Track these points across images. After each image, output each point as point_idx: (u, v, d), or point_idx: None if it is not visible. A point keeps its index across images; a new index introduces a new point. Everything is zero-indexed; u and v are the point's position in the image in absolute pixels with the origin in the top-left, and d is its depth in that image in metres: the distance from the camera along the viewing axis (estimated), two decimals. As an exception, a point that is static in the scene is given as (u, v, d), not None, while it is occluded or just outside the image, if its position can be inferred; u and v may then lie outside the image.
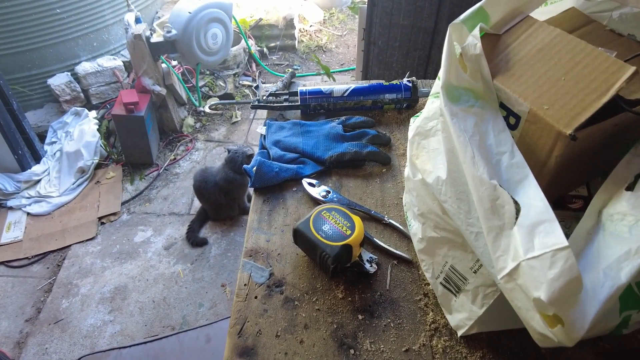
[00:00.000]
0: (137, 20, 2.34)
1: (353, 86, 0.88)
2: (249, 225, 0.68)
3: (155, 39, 2.26)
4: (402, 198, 0.69)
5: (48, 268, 1.97)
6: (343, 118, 0.85)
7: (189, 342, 1.26)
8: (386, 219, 0.66)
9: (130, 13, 2.35)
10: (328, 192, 0.70)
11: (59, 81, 2.45)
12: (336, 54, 3.47)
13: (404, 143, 0.80)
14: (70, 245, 2.04)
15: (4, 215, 2.20)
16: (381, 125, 0.86)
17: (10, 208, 2.24)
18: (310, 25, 3.67)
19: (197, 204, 2.09)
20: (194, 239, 1.94)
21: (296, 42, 3.41)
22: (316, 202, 0.70)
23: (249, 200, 2.04)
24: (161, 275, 1.87)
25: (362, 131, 0.82)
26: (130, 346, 1.27)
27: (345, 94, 0.87)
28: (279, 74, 3.16)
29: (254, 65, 3.16)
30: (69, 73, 2.49)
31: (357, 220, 0.58)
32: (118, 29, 2.65)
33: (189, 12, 2.27)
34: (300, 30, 3.52)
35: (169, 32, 2.26)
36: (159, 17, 2.88)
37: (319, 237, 0.56)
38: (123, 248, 2.01)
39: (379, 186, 0.73)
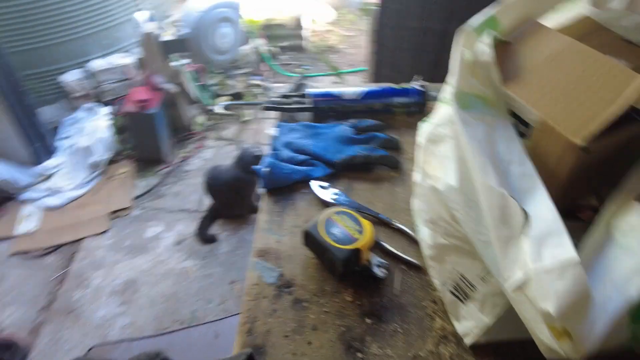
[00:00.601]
0: (149, 19, 2.37)
1: (363, 89, 0.88)
2: (259, 225, 0.69)
3: (166, 37, 2.29)
4: (411, 203, 0.69)
5: (61, 260, 2.01)
6: (353, 121, 0.86)
7: (198, 337, 1.28)
8: (395, 223, 0.66)
9: (141, 11, 2.38)
10: (338, 195, 0.71)
11: (71, 78, 2.49)
12: (346, 54, 3.47)
13: (413, 147, 0.80)
14: (82, 238, 2.08)
15: (18, 208, 2.25)
16: (391, 128, 0.86)
17: (24, 201, 2.29)
18: (321, 25, 3.68)
19: (207, 201, 2.12)
20: (204, 236, 1.96)
21: (306, 42, 3.41)
22: (326, 204, 0.70)
23: (258, 200, 2.05)
24: (171, 271, 1.89)
25: (372, 134, 0.82)
26: (140, 339, 1.29)
27: (356, 97, 0.88)
28: (289, 73, 3.17)
29: (264, 64, 3.17)
30: (81, 70, 2.53)
31: (367, 224, 0.59)
32: (129, 27, 2.67)
33: (200, 11, 2.30)
34: (310, 30, 3.52)
35: (179, 30, 2.29)
36: (170, 16, 2.91)
37: (328, 240, 0.57)
38: (134, 242, 2.04)
39: (389, 190, 0.73)
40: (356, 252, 0.56)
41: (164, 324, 1.69)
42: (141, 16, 2.35)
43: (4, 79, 2.12)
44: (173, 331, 1.28)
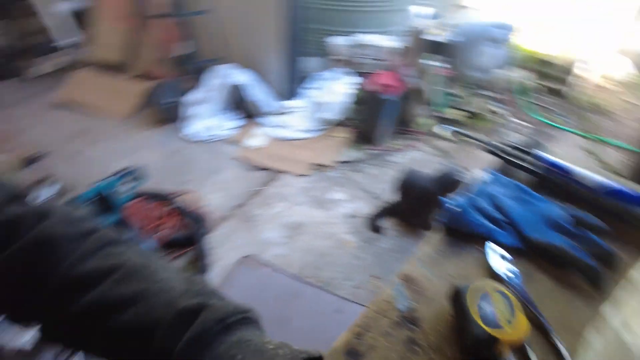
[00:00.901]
0: (426, 16, 2.47)
1: (609, 183, 0.76)
2: (418, 253, 0.70)
3: (432, 37, 2.37)
4: (586, 328, 0.59)
5: (262, 180, 2.44)
6: (573, 208, 0.75)
7: (323, 302, 1.39)
8: (556, 338, 0.58)
9: (419, 7, 2.48)
10: (512, 273, 0.66)
11: (336, 42, 2.84)
12: (617, 122, 2.90)
13: (627, 273, 0.66)
14: (284, 172, 2.47)
15: (255, 127, 2.81)
16: (614, 239, 0.72)
17: (260, 123, 2.84)
18: (604, 80, 3.14)
19: (393, 196, 2.21)
20: (374, 224, 2.07)
21: (575, 89, 2.99)
22: (494, 275, 0.66)
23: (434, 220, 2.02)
24: (334, 235, 2.09)
25: (587, 234, 0.71)
26: (282, 272, 1.49)
27: (594, 186, 0.76)
28: (535, 115, 2.88)
29: (512, 95, 2.95)
30: (347, 38, 2.84)
31: (522, 321, 0.54)
32: (402, 16, 2.84)
33: (475, 24, 2.28)
34: (586, 80, 3.05)
35: (449, 36, 2.33)
36: (445, 18, 2.96)
37: (474, 310, 0.55)
38: (318, 196, 2.31)
39: (570, 301, 0.63)
40: (495, 340, 0.52)
41: (305, 272, 1.89)
42: (416, 10, 2.47)
43: (291, 25, 2.61)
44: (309, 284, 1.43)
